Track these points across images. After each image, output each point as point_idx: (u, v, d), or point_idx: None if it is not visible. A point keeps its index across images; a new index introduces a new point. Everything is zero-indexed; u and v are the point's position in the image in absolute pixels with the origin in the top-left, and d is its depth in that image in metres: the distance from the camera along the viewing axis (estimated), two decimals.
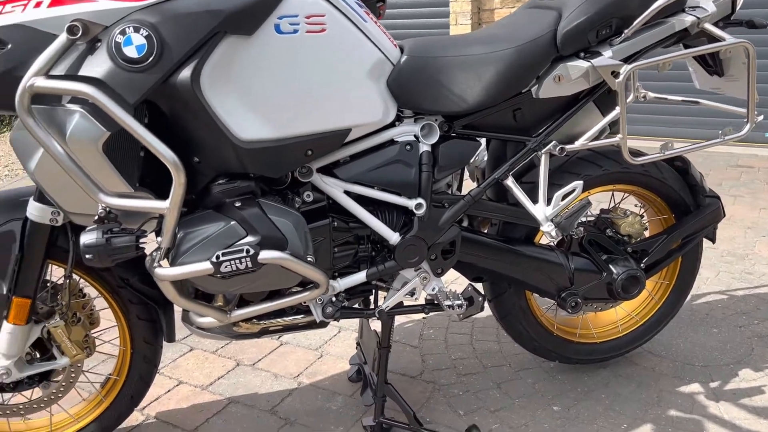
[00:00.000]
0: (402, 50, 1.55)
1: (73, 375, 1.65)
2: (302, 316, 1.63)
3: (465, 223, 1.77)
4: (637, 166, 1.77)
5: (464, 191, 1.72)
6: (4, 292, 1.46)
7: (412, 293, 1.67)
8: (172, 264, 1.29)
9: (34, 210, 1.42)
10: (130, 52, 1.17)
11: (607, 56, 1.54)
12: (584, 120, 1.71)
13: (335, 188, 1.54)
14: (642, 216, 1.87)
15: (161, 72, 1.19)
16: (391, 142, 1.57)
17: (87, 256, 1.22)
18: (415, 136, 1.57)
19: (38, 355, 1.60)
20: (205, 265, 1.26)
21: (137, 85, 1.17)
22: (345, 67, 1.42)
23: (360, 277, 1.61)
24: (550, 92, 1.57)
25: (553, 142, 1.61)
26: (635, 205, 2.03)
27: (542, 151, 1.61)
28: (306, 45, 1.37)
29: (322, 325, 1.64)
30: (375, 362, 1.79)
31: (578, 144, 1.61)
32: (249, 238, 1.29)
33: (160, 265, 1.27)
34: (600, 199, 3.17)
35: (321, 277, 1.40)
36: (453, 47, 1.57)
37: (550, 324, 1.95)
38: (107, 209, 1.25)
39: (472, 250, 1.69)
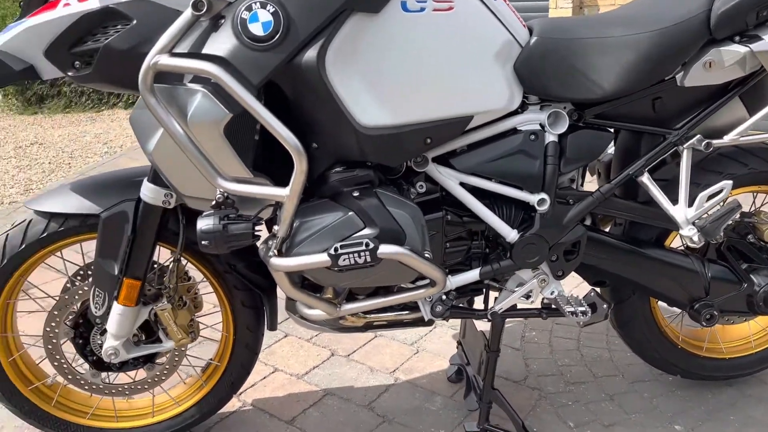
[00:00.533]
0: (531, 31, 1.42)
1: (176, 358, 1.64)
2: (408, 312, 1.54)
3: (587, 222, 1.63)
4: None
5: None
6: (116, 272, 1.45)
7: (528, 296, 1.56)
8: (287, 254, 1.22)
9: (148, 191, 1.40)
10: (256, 29, 1.10)
11: None
12: (725, 113, 1.53)
13: (450, 179, 1.44)
14: None
15: (287, 51, 1.12)
16: (514, 131, 1.45)
17: (203, 242, 1.18)
18: (540, 125, 1.45)
19: (144, 337, 1.59)
20: (323, 258, 1.19)
21: (262, 65, 1.11)
22: (471, 48, 1.31)
23: (473, 275, 1.50)
24: (698, 80, 1.41)
25: (698, 136, 1.44)
26: None
27: (684, 146, 1.45)
28: (432, 24, 1.27)
29: (429, 323, 1.55)
30: (481, 365, 1.68)
31: (728, 138, 1.43)
32: (367, 231, 1.21)
33: (275, 255, 1.21)
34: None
35: (439, 274, 1.31)
36: (589, 28, 1.42)
37: (674, 335, 1.78)
38: (225, 195, 1.20)
39: (597, 251, 1.55)
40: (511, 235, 1.48)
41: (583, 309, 1.50)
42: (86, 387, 1.61)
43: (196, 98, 1.12)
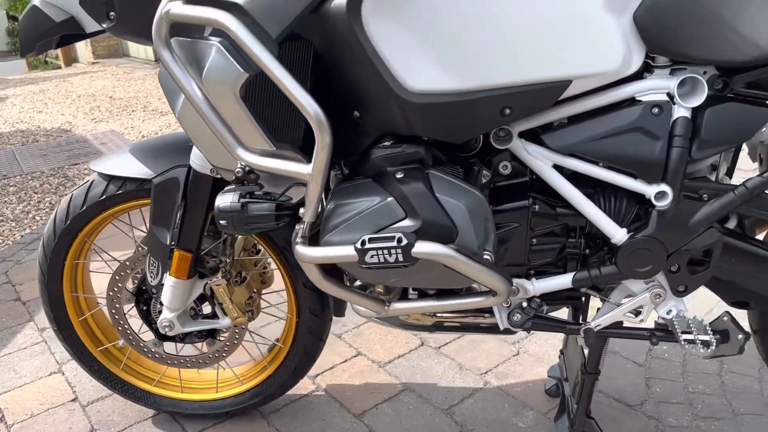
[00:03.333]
0: None
1: (237, 336, 1.54)
2: (486, 315, 1.29)
3: (732, 225, 1.24)
4: None
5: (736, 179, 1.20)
6: (167, 242, 1.36)
7: (637, 312, 1.23)
8: (317, 242, 1.03)
9: (196, 158, 1.28)
10: None
11: None
12: None
13: (542, 160, 1.15)
14: None
15: None
16: (632, 101, 1.12)
17: (221, 221, 1.03)
18: (668, 94, 1.10)
19: (203, 311, 1.51)
20: (349, 251, 0.98)
21: (282, 13, 0.91)
22: None
23: (564, 281, 1.21)
24: None
25: None
26: None
27: None
28: None
29: (508, 332, 1.29)
30: (576, 387, 1.39)
31: None
32: (406, 222, 0.98)
33: (302, 242, 1.03)
34: None
35: (498, 284, 1.04)
36: None
37: None
38: (245, 168, 1.03)
39: (738, 264, 1.17)
40: (618, 235, 1.16)
41: (706, 339, 1.14)
42: (149, 355, 1.56)
43: (211, 54, 0.95)
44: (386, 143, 1.05)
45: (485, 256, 1.01)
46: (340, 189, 1.05)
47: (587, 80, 1.07)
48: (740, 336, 1.17)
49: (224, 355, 1.56)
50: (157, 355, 1.56)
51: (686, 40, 1.04)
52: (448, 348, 1.92)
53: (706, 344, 1.14)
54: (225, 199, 1.02)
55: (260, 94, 0.99)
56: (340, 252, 0.99)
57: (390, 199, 0.99)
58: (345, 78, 1.00)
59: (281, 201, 1.03)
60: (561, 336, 1.92)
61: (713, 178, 1.19)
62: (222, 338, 1.55)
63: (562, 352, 1.62)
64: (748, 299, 1.23)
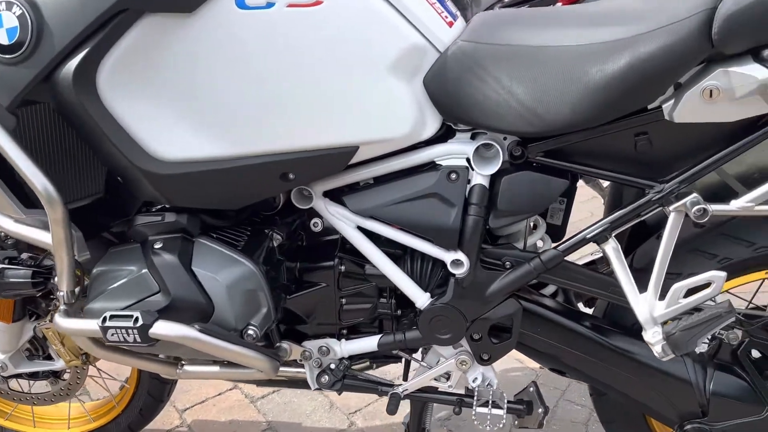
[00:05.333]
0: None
1: (79, 376, 1.51)
2: (300, 372, 1.26)
3: (551, 292, 1.21)
4: None
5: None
6: None
7: (447, 377, 1.20)
8: (80, 309, 1.00)
9: None
10: (1, 37, 0.86)
11: None
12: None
13: (344, 221, 1.11)
14: None
15: (39, 66, 0.87)
16: (432, 165, 1.08)
17: None
18: (468, 159, 1.06)
19: (43, 351, 1.48)
20: (94, 326, 0.95)
21: (10, 84, 0.87)
22: (351, 56, 0.97)
23: (370, 344, 1.18)
24: (694, 115, 0.92)
25: (693, 195, 0.97)
26: None
27: (671, 207, 0.98)
28: (288, 25, 0.94)
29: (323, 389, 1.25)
30: None
31: (736, 205, 0.94)
32: (157, 298, 0.95)
33: (61, 312, 0.99)
34: None
35: (257, 362, 1.00)
36: (533, 29, 1.00)
37: None
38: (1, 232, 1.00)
39: (543, 334, 1.14)
40: (421, 299, 1.13)
41: (499, 413, 1.11)
42: None
43: None
44: (150, 210, 1.01)
45: (249, 332, 0.98)
46: (111, 253, 1.02)
47: (376, 146, 1.03)
48: (540, 410, 1.14)
49: (68, 394, 1.53)
50: (2, 392, 1.54)
51: (469, 108, 1.00)
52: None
53: (496, 419, 1.10)
54: None
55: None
56: (88, 326, 0.95)
57: (144, 271, 0.96)
58: (91, 146, 0.96)
59: (40, 267, 0.99)
60: None
61: (522, 244, 1.15)
62: (65, 378, 1.52)
63: None
64: (558, 368, 1.19)
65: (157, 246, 0.97)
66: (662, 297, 0.98)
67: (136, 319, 0.91)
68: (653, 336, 0.97)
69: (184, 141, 0.93)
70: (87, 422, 1.62)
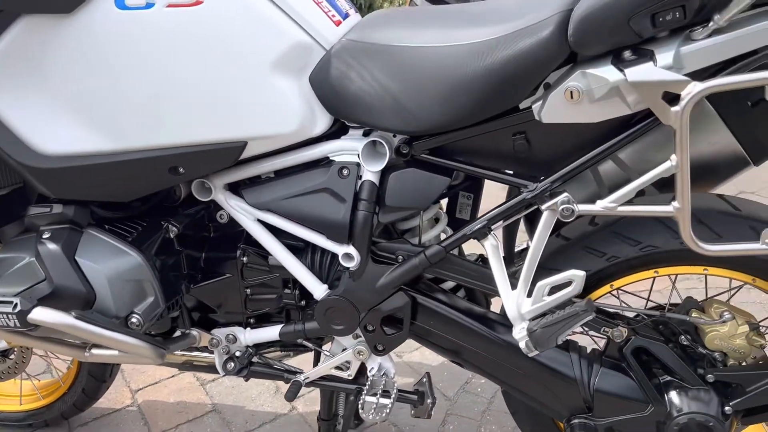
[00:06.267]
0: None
1: (24, 356, 1.58)
2: (207, 354, 1.31)
3: (452, 286, 1.23)
4: None
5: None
6: None
7: (348, 366, 1.23)
8: None
9: None
10: None
11: (663, 62, 0.85)
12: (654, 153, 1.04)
13: (244, 214, 1.15)
14: (757, 327, 1.10)
15: None
16: (326, 161, 1.11)
17: None
18: (359, 156, 1.09)
19: None
20: None
21: None
22: (236, 55, 1.00)
23: (272, 333, 1.22)
24: (560, 115, 0.93)
25: (564, 194, 0.98)
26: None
27: (543, 206, 0.99)
28: (169, 25, 0.98)
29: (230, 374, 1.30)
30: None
31: (601, 205, 0.95)
32: (42, 286, 1.00)
33: None
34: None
35: (140, 349, 1.05)
36: (416, 29, 1.02)
37: None
38: None
39: (437, 328, 1.16)
40: (318, 290, 1.16)
41: (386, 402, 1.14)
42: None
43: None
44: (41, 202, 1.06)
45: (132, 320, 1.03)
46: (10, 241, 1.07)
47: (265, 141, 1.06)
48: (429, 401, 1.17)
49: (16, 372, 1.61)
50: None
51: (351, 106, 1.03)
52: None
53: (381, 409, 1.13)
54: None
55: None
56: None
57: (32, 260, 1.01)
58: None
59: None
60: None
61: (419, 237, 1.17)
62: (12, 357, 1.60)
63: None
64: (455, 361, 1.21)
65: (45, 236, 1.02)
66: (528, 295, 1.00)
67: (15, 305, 0.96)
68: (519, 332, 0.99)
69: (67, 136, 0.98)
70: (37, 399, 1.70)
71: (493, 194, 1.05)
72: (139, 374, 1.94)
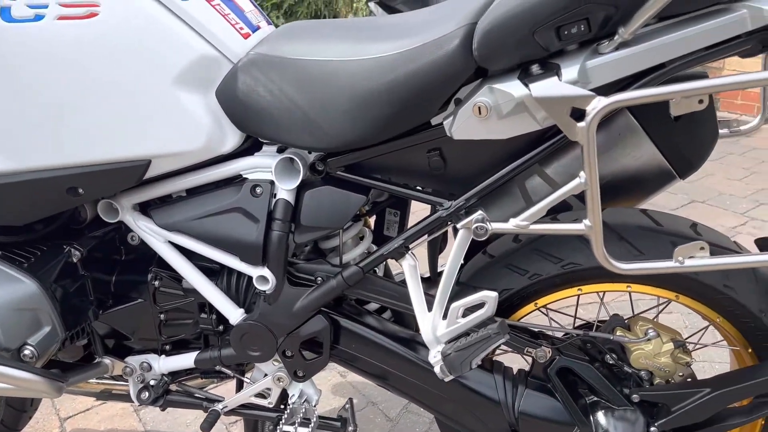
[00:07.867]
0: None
1: None
2: (122, 384, 1.24)
3: (377, 308, 1.19)
4: None
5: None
6: None
7: (268, 394, 1.18)
8: None
9: None
10: None
11: (568, 77, 0.82)
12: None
13: (153, 236, 1.09)
14: (683, 344, 1.08)
15: None
16: (239, 179, 1.06)
17: None
18: (273, 173, 1.04)
19: None
20: None
21: None
22: (135, 70, 0.95)
23: (187, 361, 1.16)
24: (470, 132, 0.90)
25: (478, 213, 0.94)
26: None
27: (459, 225, 0.96)
28: (60, 39, 0.93)
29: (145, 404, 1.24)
30: None
31: (513, 223, 0.92)
32: None
33: None
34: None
35: (34, 384, 0.98)
36: (326, 42, 0.98)
37: None
38: None
39: (359, 351, 1.11)
40: (234, 315, 1.11)
41: (306, 430, 1.09)
42: None
43: None
44: None
45: (26, 351, 0.96)
46: None
47: (170, 159, 1.01)
48: (350, 428, 1.12)
49: None
50: None
51: (259, 121, 0.98)
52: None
53: None
54: None
55: None
56: None
57: None
58: None
59: None
60: (336, 382, 1.87)
61: (339, 258, 1.13)
62: None
63: None
64: (380, 384, 1.17)
65: None
66: (444, 317, 0.96)
67: None
68: (434, 356, 0.95)
69: None
70: None
71: (425, 211, 1.02)
72: (70, 401, 1.86)
